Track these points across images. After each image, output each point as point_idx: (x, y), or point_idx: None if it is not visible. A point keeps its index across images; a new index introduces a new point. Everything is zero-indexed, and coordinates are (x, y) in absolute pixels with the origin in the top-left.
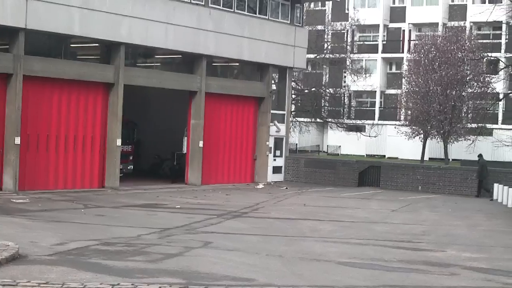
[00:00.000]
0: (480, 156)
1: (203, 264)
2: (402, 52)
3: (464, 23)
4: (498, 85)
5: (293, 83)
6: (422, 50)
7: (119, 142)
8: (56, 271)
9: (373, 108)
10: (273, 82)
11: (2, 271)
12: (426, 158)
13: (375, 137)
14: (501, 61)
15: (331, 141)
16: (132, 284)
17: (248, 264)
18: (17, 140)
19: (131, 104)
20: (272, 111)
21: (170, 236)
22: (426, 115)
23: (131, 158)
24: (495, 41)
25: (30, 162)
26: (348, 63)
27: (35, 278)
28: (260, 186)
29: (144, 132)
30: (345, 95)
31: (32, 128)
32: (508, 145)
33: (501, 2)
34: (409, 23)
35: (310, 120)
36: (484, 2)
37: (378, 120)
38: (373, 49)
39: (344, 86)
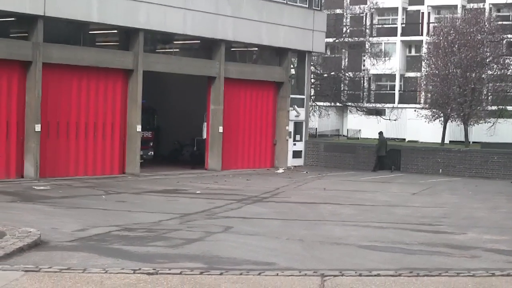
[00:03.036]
0: (380, 133)
1: (224, 249)
2: (421, 34)
3: (483, 5)
4: None
5: (312, 67)
6: (442, 33)
7: (139, 128)
8: (77, 257)
9: (392, 92)
10: (292, 66)
11: (25, 257)
12: (446, 141)
13: (395, 120)
14: None
15: (350, 125)
16: (153, 269)
17: (269, 248)
18: (38, 128)
19: (151, 90)
20: (291, 96)
21: (190, 221)
22: (446, 98)
23: (151, 144)
24: None
25: (50, 149)
26: (367, 47)
27: (57, 264)
28: (280, 170)
29: (164, 118)
30: (365, 78)
31: (52, 116)
32: None
33: None
34: (428, 6)
35: (329, 104)
36: None
37: (398, 103)
38: (392, 32)
39: (364, 70)
